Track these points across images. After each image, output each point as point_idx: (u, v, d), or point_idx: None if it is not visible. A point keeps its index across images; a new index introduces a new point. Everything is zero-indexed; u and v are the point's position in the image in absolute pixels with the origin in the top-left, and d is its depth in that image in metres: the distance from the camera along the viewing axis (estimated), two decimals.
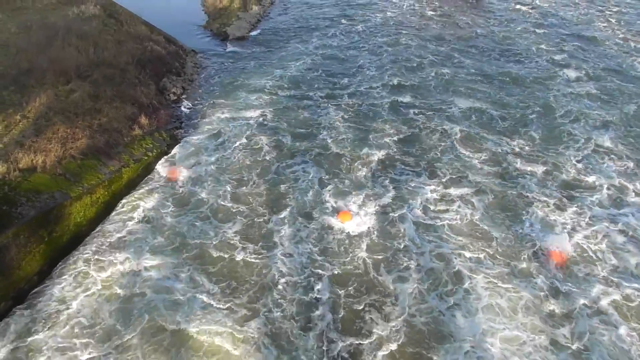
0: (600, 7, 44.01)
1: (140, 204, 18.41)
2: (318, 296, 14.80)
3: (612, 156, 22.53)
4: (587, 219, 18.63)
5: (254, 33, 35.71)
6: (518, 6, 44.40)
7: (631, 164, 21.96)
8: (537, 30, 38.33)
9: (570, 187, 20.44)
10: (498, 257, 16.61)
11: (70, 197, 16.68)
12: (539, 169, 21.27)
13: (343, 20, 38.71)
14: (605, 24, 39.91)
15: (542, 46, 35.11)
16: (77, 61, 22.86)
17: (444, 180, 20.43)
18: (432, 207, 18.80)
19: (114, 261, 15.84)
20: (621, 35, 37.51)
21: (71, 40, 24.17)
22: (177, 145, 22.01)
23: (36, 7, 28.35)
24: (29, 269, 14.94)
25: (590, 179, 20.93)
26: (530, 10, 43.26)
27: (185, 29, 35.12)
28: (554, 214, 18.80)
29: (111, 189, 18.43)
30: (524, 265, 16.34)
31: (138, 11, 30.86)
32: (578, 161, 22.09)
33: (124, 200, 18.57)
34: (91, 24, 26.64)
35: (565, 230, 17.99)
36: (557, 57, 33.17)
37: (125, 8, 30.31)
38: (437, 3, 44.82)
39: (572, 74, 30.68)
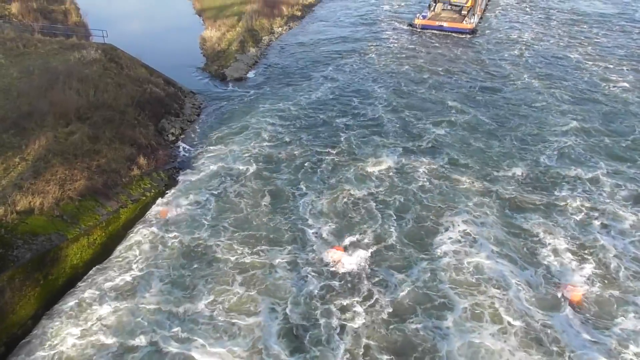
0: (579, 39, 46.06)
1: (137, 244, 18.30)
2: None
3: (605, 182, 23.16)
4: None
5: (251, 74, 36.46)
6: (506, 39, 45.93)
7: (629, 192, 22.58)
8: (523, 58, 40.65)
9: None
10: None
11: (67, 239, 16.60)
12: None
13: (339, 58, 39.49)
14: (582, 52, 42.21)
15: (525, 69, 37.91)
16: (77, 104, 23.25)
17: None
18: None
19: (107, 306, 15.60)
20: (595, 61, 39.92)
21: (72, 84, 24.64)
22: (176, 185, 22.10)
23: (39, 53, 29.03)
24: (24, 313, 14.68)
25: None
26: (517, 42, 44.82)
27: (184, 71, 35.87)
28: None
29: (108, 229, 18.36)
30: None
31: (138, 54, 31.59)
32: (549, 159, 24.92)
33: (121, 241, 18.48)
34: (92, 68, 27.23)
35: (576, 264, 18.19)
36: (539, 78, 36.16)
37: (125, 52, 31.02)
38: (431, 37, 46.17)
39: (551, 92, 33.42)
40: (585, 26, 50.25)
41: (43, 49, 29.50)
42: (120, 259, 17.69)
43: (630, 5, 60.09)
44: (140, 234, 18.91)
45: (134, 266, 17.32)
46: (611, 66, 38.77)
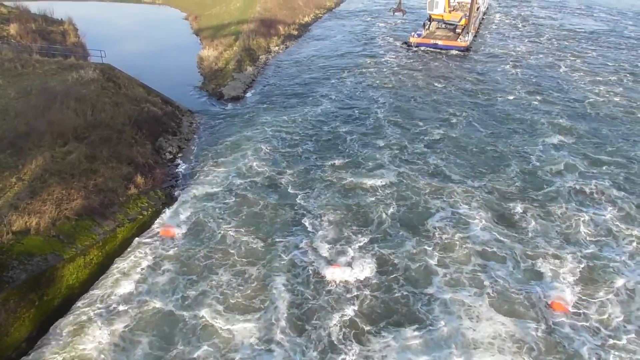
0: (570, 53, 47.16)
1: (134, 263, 18.16)
2: None
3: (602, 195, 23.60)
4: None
5: (248, 92, 36.67)
6: (499, 54, 46.82)
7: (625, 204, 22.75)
8: (513, 71, 41.81)
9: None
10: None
11: (63, 259, 16.44)
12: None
13: (335, 76, 39.83)
14: (568, 64, 43.78)
15: (516, 82, 39.13)
16: (74, 123, 23.25)
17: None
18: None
19: (103, 327, 15.43)
20: (584, 74, 41.41)
21: (69, 104, 24.69)
22: (173, 203, 22.00)
23: (37, 73, 29.17)
24: (18, 335, 14.45)
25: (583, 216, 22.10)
26: (508, 57, 45.72)
27: (181, 90, 36.09)
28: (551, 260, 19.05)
29: (105, 249, 18.22)
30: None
31: (136, 74, 31.81)
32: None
33: (118, 260, 18.35)
34: (90, 88, 27.34)
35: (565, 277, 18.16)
36: (530, 90, 37.49)
37: (123, 71, 31.22)
38: (427, 54, 46.82)
39: (542, 103, 34.96)
40: (575, 41, 51.38)
41: (41, 70, 29.65)
42: (124, 265, 18.19)
43: (621, 22, 61.24)
44: (141, 248, 19.16)
45: (139, 270, 17.94)
46: (600, 79, 40.05)
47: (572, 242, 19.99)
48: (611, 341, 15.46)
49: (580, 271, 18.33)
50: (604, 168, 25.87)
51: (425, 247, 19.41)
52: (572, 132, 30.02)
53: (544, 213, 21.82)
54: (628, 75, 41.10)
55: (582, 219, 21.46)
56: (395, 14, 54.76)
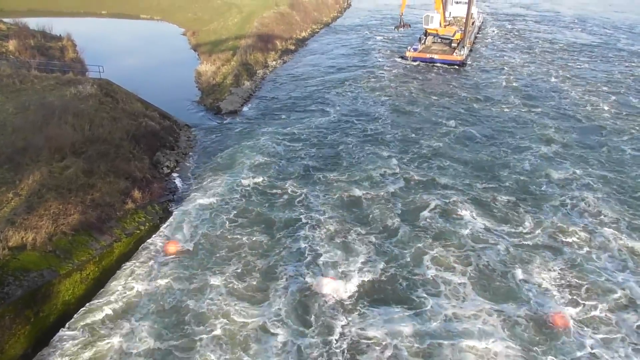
0: (563, 66, 47.97)
1: (130, 278, 18.06)
2: None
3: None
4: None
5: (246, 107, 36.78)
6: (494, 66, 47.39)
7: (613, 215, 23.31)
8: (508, 84, 42.48)
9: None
10: None
11: (59, 275, 16.34)
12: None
13: (332, 90, 40.03)
14: (561, 76, 44.68)
15: (510, 94, 39.90)
16: (72, 138, 23.27)
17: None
18: None
19: (102, 343, 15.32)
20: (577, 85, 42.34)
21: (67, 119, 24.75)
22: (170, 218, 21.96)
23: (35, 89, 29.27)
24: (13, 353, 14.29)
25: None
26: (503, 70, 46.27)
27: (179, 105, 36.21)
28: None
29: (102, 264, 18.11)
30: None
31: (134, 89, 31.94)
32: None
33: (114, 275, 18.26)
34: (88, 103, 27.43)
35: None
36: (522, 101, 38.41)
37: (121, 86, 31.37)
38: (424, 66, 47.28)
39: (535, 113, 36.00)
40: (568, 54, 52.16)
41: (39, 85, 29.77)
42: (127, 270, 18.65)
43: (614, 35, 62.00)
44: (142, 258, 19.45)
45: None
46: (592, 89, 40.88)
47: (562, 241, 21.01)
48: (592, 313, 17.07)
49: (568, 267, 19.45)
50: (593, 174, 26.88)
51: (423, 237, 20.89)
52: (563, 141, 30.92)
53: (535, 213, 22.90)
54: (619, 86, 41.77)
55: (571, 221, 22.43)
56: (400, 29, 55.24)
